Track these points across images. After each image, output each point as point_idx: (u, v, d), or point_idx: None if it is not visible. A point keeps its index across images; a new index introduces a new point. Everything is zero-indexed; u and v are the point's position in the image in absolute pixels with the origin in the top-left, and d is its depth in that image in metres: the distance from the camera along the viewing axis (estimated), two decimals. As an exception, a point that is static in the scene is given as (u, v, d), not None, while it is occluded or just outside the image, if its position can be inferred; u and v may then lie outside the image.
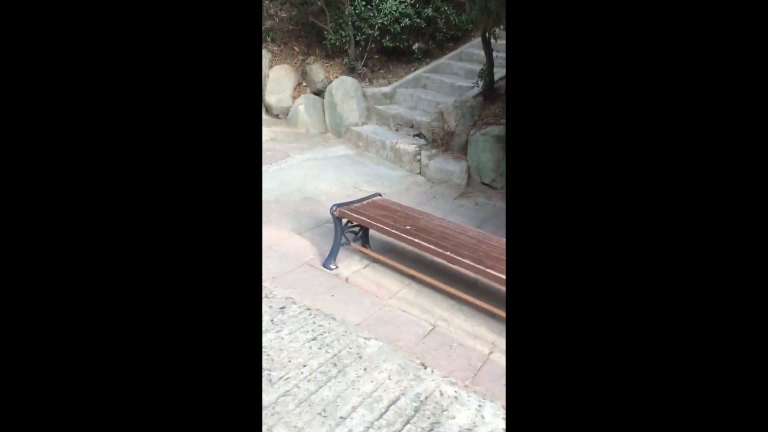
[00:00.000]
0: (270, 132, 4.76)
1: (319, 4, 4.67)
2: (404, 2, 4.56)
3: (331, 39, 4.64)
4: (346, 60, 4.91)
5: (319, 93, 5.01)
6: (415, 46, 4.94)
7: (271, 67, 5.24)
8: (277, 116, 5.13)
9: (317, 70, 4.90)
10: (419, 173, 4.02)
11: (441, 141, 3.99)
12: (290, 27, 5.39)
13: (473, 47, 5.34)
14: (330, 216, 2.44)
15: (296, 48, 5.21)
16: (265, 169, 3.78)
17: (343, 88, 4.66)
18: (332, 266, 2.33)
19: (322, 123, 4.91)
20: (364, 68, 4.91)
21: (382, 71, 5.07)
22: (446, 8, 4.80)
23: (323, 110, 4.94)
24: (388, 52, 5.06)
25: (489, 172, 3.79)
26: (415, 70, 5.11)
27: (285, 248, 2.58)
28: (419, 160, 4.02)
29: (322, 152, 4.33)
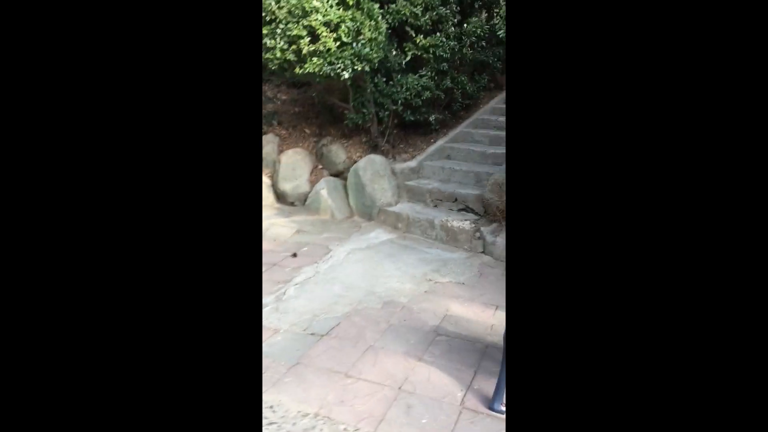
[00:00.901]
0: (292, 223, 4.25)
1: (342, 83, 4.40)
2: (424, 75, 4.38)
3: (352, 118, 4.32)
4: (365, 138, 4.60)
5: (339, 175, 4.61)
6: (432, 118, 4.73)
7: (281, 152, 4.82)
8: (292, 204, 4.65)
9: (337, 151, 4.54)
10: (483, 252, 3.62)
11: (502, 214, 3.64)
12: (296, 109, 5.07)
13: (485, 114, 5.24)
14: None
15: (307, 130, 4.85)
16: (315, 269, 3.23)
17: (372, 168, 4.30)
18: (502, 407, 1.80)
19: (347, 206, 4.47)
20: (386, 144, 4.60)
21: (402, 146, 4.78)
22: (462, 78, 4.68)
23: (345, 193, 4.53)
24: (406, 125, 4.81)
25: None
26: (434, 141, 4.87)
27: (420, 387, 2.00)
28: (480, 238, 3.63)
29: (362, 240, 3.85)
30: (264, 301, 2.73)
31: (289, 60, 3.51)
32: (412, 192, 4.44)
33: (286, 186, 4.62)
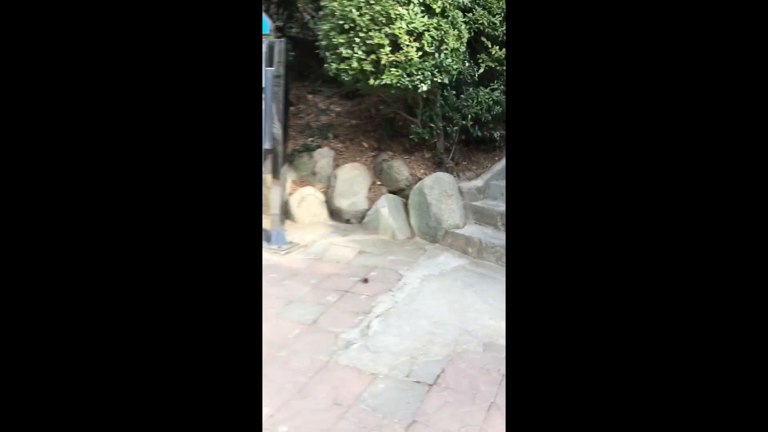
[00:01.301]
0: (352, 243, 3.97)
1: (411, 96, 4.15)
2: (496, 89, 4.11)
3: (419, 132, 4.06)
4: (429, 154, 4.33)
5: (399, 192, 4.34)
6: (497, 134, 4.45)
7: (337, 166, 4.57)
8: (348, 221, 4.38)
9: (399, 168, 4.27)
10: (570, 285, 3.30)
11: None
12: (352, 121, 4.83)
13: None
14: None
15: (365, 144, 4.60)
16: (392, 298, 2.94)
17: (440, 186, 4.02)
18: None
19: (407, 226, 4.18)
20: (450, 161, 4.33)
21: (465, 163, 4.50)
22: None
23: (406, 212, 4.25)
24: (469, 142, 4.54)
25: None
26: (499, 159, 4.59)
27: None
28: (567, 269, 3.32)
29: (432, 266, 3.56)
30: (349, 335, 2.45)
31: (366, 71, 3.27)
32: (480, 213, 4.15)
33: (342, 202, 4.36)
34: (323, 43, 3.43)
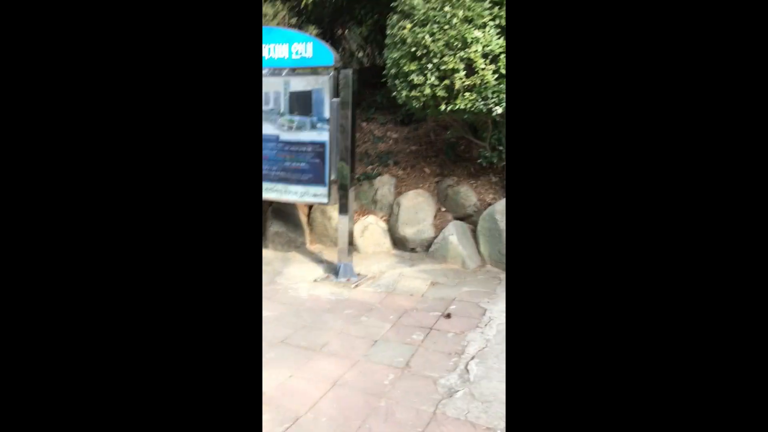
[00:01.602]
0: (421, 273, 3.82)
1: (481, 119, 4.02)
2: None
3: (487, 156, 3.90)
4: (495, 178, 4.16)
5: (465, 218, 4.18)
6: (565, 154, 4.23)
7: (398, 193, 4.46)
8: (413, 250, 4.23)
9: (466, 193, 4.11)
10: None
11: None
12: (412, 147, 4.73)
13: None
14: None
15: (426, 169, 4.48)
16: (482, 336, 2.75)
17: (513, 212, 3.83)
18: None
19: (477, 254, 4.00)
20: (520, 185, 4.13)
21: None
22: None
23: (474, 239, 4.08)
24: (535, 163, 4.35)
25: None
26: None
27: None
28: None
29: (513, 297, 3.35)
30: (448, 381, 2.27)
31: (438, 96, 3.18)
32: (556, 239, 3.94)
33: (407, 231, 4.23)
34: (392, 71, 3.37)
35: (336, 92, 3.61)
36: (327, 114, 3.65)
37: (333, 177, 3.71)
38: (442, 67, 3.05)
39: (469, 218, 4.16)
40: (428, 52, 3.10)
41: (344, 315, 3.09)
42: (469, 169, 4.28)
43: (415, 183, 4.45)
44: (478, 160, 4.01)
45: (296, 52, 3.67)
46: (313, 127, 3.73)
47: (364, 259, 4.17)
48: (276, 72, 3.77)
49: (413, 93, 3.23)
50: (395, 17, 3.43)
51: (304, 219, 4.81)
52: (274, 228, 4.48)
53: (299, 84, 3.73)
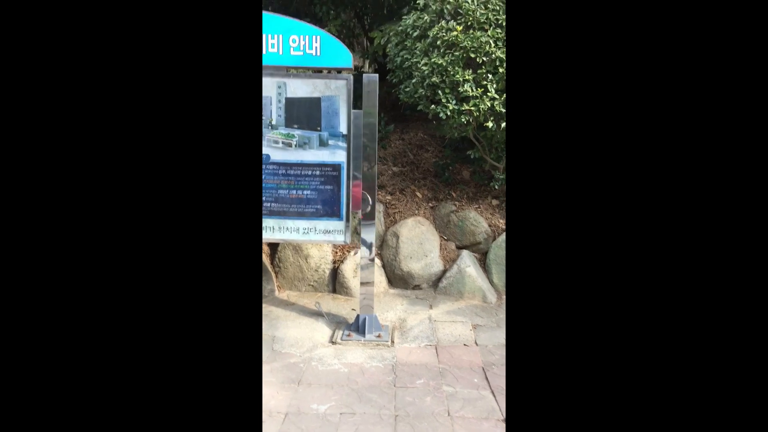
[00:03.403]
0: (450, 315, 3.29)
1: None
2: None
3: (501, 179, 3.61)
4: (496, 201, 3.90)
5: (470, 247, 3.79)
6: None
7: (391, 222, 3.83)
8: (416, 287, 3.66)
9: (476, 219, 3.73)
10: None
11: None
12: (394, 169, 4.15)
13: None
14: None
15: (418, 194, 3.96)
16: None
17: (534, 238, 3.59)
18: None
19: (491, 286, 3.65)
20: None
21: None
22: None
23: (483, 269, 3.72)
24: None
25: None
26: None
27: None
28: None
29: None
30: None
31: (497, 111, 2.73)
32: (565, 262, 3.85)
33: (412, 265, 3.63)
34: (434, 79, 2.78)
35: (354, 101, 2.86)
36: (343, 128, 2.87)
37: (343, 214, 2.93)
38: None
39: (475, 246, 3.79)
40: (490, 60, 2.64)
41: (420, 389, 2.38)
42: (467, 193, 3.92)
43: (409, 210, 3.89)
44: (491, 183, 3.68)
45: (297, 47, 2.80)
46: (323, 144, 2.89)
47: (362, 305, 3.43)
48: (266, 71, 2.82)
49: (465, 106, 2.73)
50: (425, 17, 2.88)
51: (266, 260, 3.78)
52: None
53: (302, 88, 2.86)
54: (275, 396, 2.28)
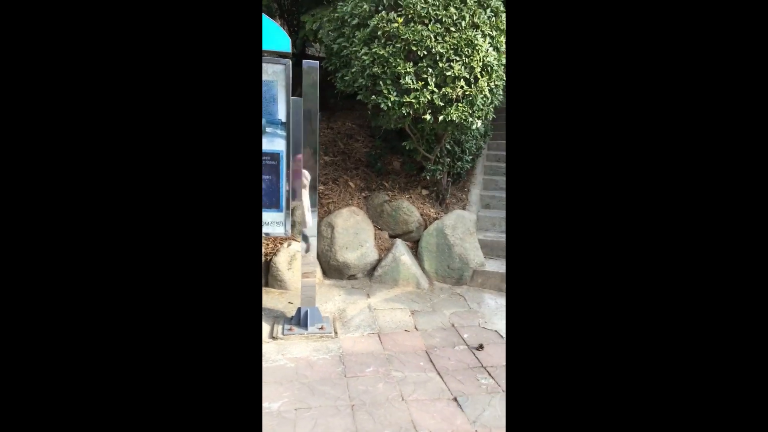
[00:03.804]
0: (388, 303, 3.36)
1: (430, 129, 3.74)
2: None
3: (434, 169, 3.75)
4: (426, 191, 4.04)
5: (402, 236, 3.89)
6: (470, 165, 4.52)
7: (325, 212, 3.77)
8: (351, 277, 3.67)
9: (409, 209, 3.82)
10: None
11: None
12: (326, 158, 4.09)
13: (486, 160, 5.29)
14: None
15: (351, 183, 3.95)
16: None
17: (463, 225, 3.78)
18: None
19: (422, 273, 3.79)
20: (452, 197, 4.16)
21: (451, 197, 4.39)
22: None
23: (415, 257, 3.85)
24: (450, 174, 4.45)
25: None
26: (469, 189, 4.63)
27: None
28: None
29: (498, 318, 3.32)
30: None
31: (436, 105, 2.81)
32: (489, 247, 4.09)
33: (348, 256, 3.63)
34: (375, 69, 2.77)
35: (292, 88, 2.76)
36: (282, 116, 2.75)
37: (284, 207, 2.84)
38: (448, 73, 2.71)
39: (407, 235, 3.90)
40: (430, 53, 2.70)
41: (371, 377, 2.41)
42: (399, 183, 4.00)
43: (342, 200, 3.87)
44: (423, 173, 3.79)
45: (231, 27, 2.62)
46: (261, 132, 2.75)
47: (297, 297, 3.36)
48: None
49: (406, 98, 2.77)
50: (364, 6, 2.85)
51: (190, 255, 3.52)
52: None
53: (237, 72, 2.68)
54: (222, 398, 2.16)
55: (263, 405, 2.13)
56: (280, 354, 2.62)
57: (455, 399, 2.24)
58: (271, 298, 3.36)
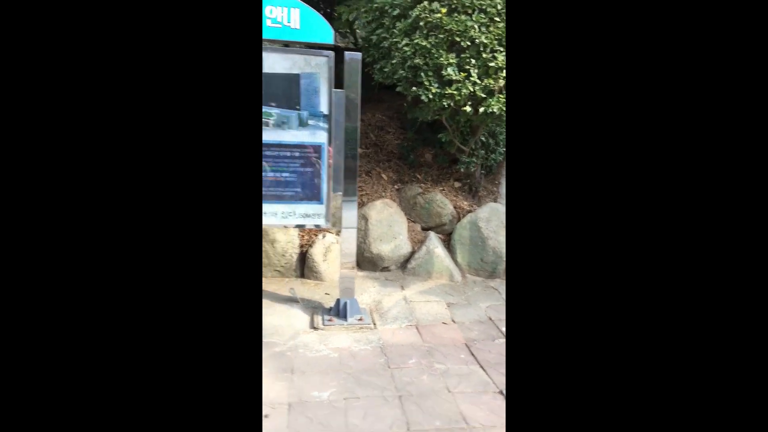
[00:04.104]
0: (423, 295, 3.36)
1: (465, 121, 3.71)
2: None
3: (468, 162, 3.73)
4: (459, 184, 4.02)
5: (435, 228, 3.88)
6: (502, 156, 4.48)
7: (359, 204, 3.78)
8: (385, 269, 3.68)
9: (442, 201, 3.81)
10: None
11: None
12: (360, 150, 4.08)
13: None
14: None
15: (384, 176, 3.95)
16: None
17: (497, 217, 3.76)
18: None
19: (455, 265, 3.79)
20: (484, 190, 4.13)
21: (483, 190, 4.36)
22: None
23: (448, 250, 3.84)
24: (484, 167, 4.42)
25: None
26: (498, 182, 4.60)
27: None
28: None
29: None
30: None
31: (477, 96, 2.78)
32: (522, 240, 4.07)
33: (382, 248, 3.64)
34: (417, 61, 2.75)
35: (335, 80, 2.76)
36: (324, 108, 2.76)
37: (324, 199, 2.85)
38: (491, 64, 2.69)
39: (440, 228, 3.89)
40: (473, 45, 2.67)
41: (414, 368, 2.43)
42: (431, 175, 3.99)
43: (376, 192, 3.87)
44: (456, 166, 3.77)
45: (274, 19, 2.63)
46: (303, 124, 2.76)
47: (334, 288, 3.39)
48: (241, 43, 2.61)
49: (447, 90, 2.75)
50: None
51: (227, 246, 3.57)
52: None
53: (280, 63, 2.69)
54: (272, 387, 2.20)
55: (313, 394, 2.17)
56: (323, 344, 2.65)
57: (501, 392, 2.24)
58: (307, 289, 3.39)
